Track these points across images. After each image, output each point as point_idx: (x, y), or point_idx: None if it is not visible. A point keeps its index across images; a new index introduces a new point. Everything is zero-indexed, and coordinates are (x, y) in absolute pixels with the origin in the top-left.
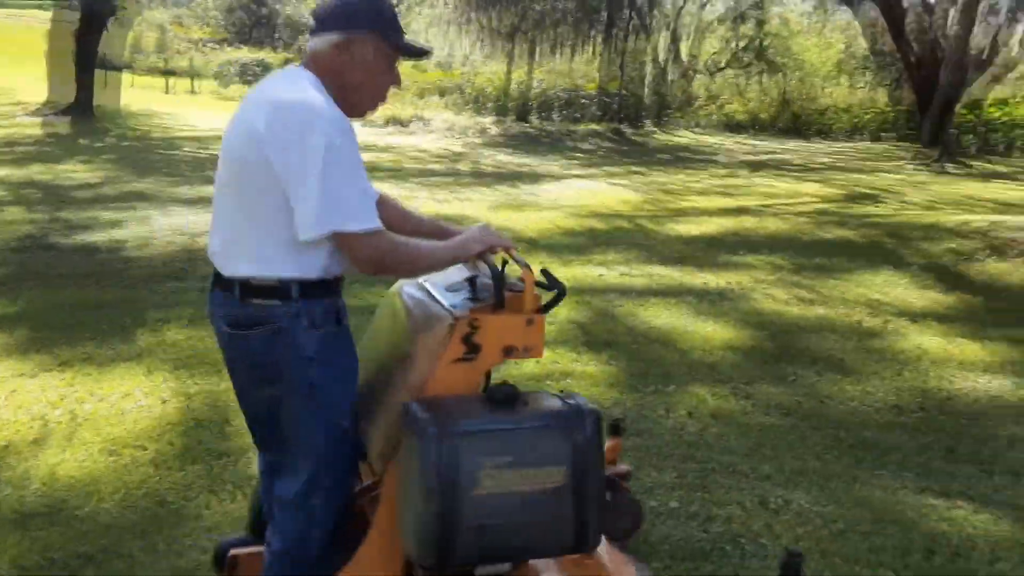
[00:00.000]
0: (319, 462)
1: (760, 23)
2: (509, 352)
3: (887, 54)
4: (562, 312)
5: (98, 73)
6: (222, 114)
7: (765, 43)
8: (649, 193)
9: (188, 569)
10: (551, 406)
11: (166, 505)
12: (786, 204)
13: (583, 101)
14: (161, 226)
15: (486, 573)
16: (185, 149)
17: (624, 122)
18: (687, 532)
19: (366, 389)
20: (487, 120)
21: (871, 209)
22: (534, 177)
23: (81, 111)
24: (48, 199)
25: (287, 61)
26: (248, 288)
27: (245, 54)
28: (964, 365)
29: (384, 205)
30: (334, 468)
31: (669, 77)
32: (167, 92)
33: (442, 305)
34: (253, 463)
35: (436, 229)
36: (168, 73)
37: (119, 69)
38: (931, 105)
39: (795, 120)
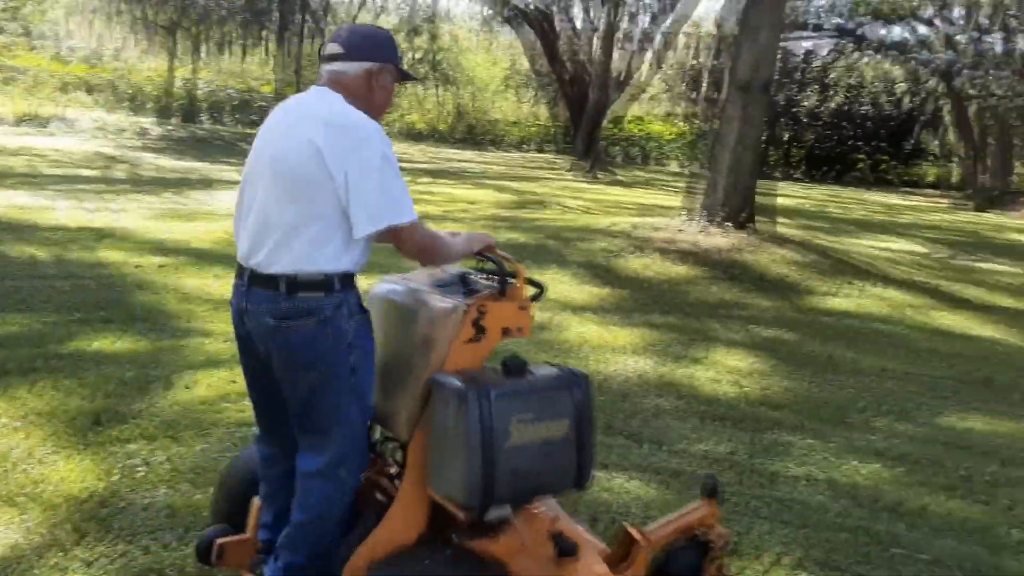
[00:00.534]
0: (350, 435)
1: (433, 36)
2: (506, 332)
3: (545, 74)
4: None
5: None
6: None
7: (438, 57)
8: None
9: None
10: (553, 372)
11: None
12: (464, 210)
13: (260, 104)
14: None
15: (494, 517)
16: None
17: None
18: None
19: (382, 372)
20: (147, 121)
21: (539, 214)
22: (206, 183)
23: None
24: None
25: None
26: (295, 283)
27: None
28: (616, 349)
29: None
30: (360, 440)
31: None
32: None
33: (448, 297)
34: None
35: None
36: None
37: None
38: (583, 121)
39: (470, 131)
